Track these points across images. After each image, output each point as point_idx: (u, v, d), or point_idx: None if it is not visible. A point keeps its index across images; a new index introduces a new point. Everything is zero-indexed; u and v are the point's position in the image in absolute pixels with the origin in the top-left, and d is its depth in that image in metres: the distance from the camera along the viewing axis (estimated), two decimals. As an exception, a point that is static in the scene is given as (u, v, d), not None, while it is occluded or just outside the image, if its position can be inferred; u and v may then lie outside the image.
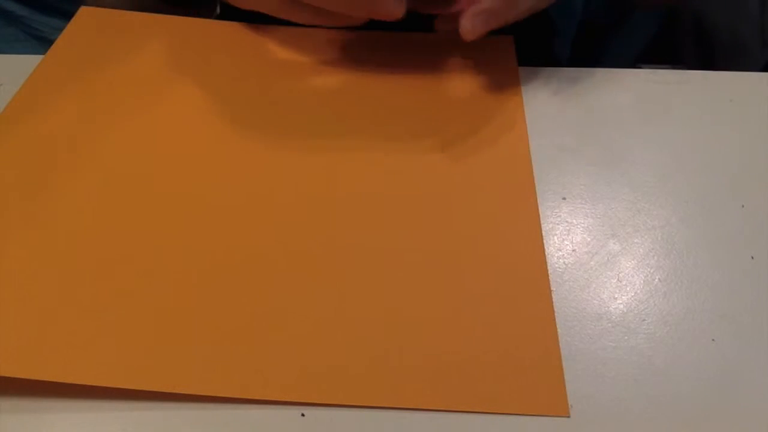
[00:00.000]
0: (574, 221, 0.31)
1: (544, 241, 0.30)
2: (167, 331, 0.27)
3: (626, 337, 0.27)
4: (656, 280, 0.29)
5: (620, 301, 0.28)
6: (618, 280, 0.29)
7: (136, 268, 0.29)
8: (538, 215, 0.31)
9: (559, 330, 0.27)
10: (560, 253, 0.30)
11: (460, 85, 0.38)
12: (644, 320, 0.28)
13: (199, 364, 0.26)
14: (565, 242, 0.30)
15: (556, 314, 0.27)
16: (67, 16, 0.41)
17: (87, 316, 0.27)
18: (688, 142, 0.35)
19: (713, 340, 0.27)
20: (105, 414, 0.25)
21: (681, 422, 0.25)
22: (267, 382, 0.25)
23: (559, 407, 0.25)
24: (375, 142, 0.35)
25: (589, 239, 0.31)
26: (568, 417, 0.25)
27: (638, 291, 0.29)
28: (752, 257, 0.30)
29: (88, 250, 0.29)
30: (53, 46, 0.38)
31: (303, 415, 0.25)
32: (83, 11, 0.41)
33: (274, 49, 0.39)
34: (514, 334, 0.27)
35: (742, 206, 0.32)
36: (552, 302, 0.28)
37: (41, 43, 0.50)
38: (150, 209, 0.31)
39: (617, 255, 0.30)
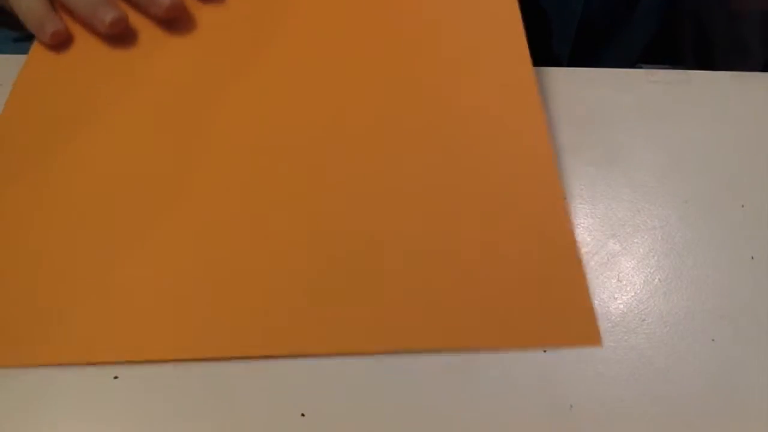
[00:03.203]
0: (574, 221, 0.31)
1: (544, 241, 0.30)
2: (171, 296, 0.27)
3: (626, 337, 0.27)
4: (656, 280, 0.29)
5: (620, 301, 0.28)
6: (618, 280, 0.29)
7: (138, 258, 0.28)
8: (546, 129, 0.30)
9: (559, 330, 0.27)
10: (560, 253, 0.30)
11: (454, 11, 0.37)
12: (644, 320, 0.28)
13: (200, 326, 0.26)
14: (565, 242, 0.30)
15: (556, 314, 0.27)
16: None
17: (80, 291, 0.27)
18: (688, 142, 0.35)
19: (713, 340, 0.27)
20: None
21: (681, 422, 0.25)
22: (271, 336, 0.25)
23: (590, 337, 0.24)
24: (372, 67, 0.34)
25: (589, 239, 0.31)
26: (601, 347, 0.23)
27: (638, 291, 0.29)
28: (752, 257, 0.30)
29: (91, 237, 0.29)
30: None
31: (303, 415, 0.25)
32: None
33: None
34: (535, 267, 0.26)
35: (742, 206, 0.32)
36: (572, 228, 0.27)
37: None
38: (151, 182, 0.31)
39: (617, 255, 0.30)
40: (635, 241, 0.31)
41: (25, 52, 0.37)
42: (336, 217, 0.28)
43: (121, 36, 0.36)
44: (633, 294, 0.29)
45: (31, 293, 0.27)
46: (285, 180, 0.30)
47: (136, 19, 0.37)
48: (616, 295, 0.28)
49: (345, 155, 0.30)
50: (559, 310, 0.24)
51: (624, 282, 0.29)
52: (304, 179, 0.30)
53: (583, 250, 0.30)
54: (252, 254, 0.28)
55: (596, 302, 0.28)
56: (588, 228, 0.31)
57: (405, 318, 0.25)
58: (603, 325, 0.27)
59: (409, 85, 0.33)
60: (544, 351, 0.26)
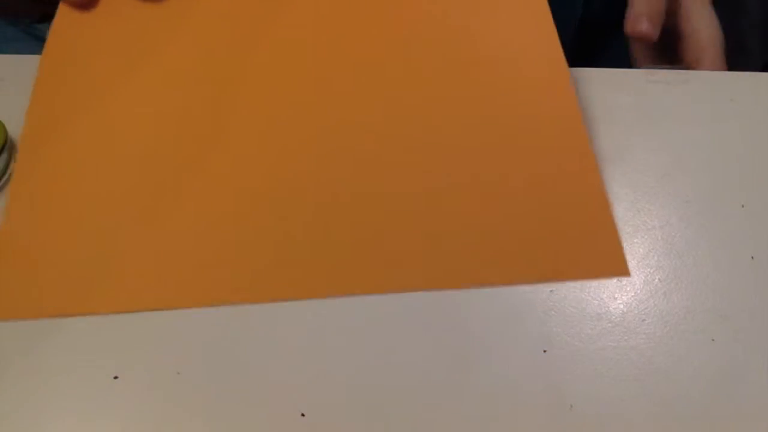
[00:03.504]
0: (574, 221, 0.31)
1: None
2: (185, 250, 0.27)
3: (626, 337, 0.27)
4: (656, 280, 0.29)
5: (620, 301, 0.28)
6: (618, 280, 0.29)
7: (163, 212, 0.29)
8: (572, 85, 0.30)
9: (559, 330, 0.27)
10: (560, 253, 0.30)
11: None
12: (644, 320, 0.28)
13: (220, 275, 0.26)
14: (565, 242, 0.30)
15: (555, 315, 0.27)
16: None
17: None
18: (688, 142, 0.35)
19: (713, 340, 0.27)
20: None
21: (681, 422, 0.25)
22: (312, 278, 0.25)
23: (618, 268, 0.24)
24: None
25: (589, 239, 0.31)
26: (629, 277, 0.24)
27: (638, 291, 0.29)
28: (752, 257, 0.30)
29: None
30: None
31: (303, 414, 0.25)
32: None
33: None
34: (561, 201, 0.26)
35: (742, 206, 0.32)
36: (596, 164, 0.27)
37: (41, 43, 0.49)
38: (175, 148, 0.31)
39: (617, 255, 0.30)
40: (635, 241, 0.31)
41: (24, 51, 0.37)
42: (367, 166, 0.29)
43: None
44: (633, 294, 0.29)
45: (62, 243, 0.28)
46: (313, 143, 0.30)
47: None
48: (616, 295, 0.28)
49: (377, 129, 0.31)
50: (588, 244, 0.25)
51: (624, 282, 0.29)
52: (334, 143, 0.30)
53: (583, 250, 0.30)
54: (274, 201, 0.28)
55: (596, 302, 0.28)
56: (588, 228, 0.31)
57: (441, 256, 0.25)
58: (603, 325, 0.27)
59: (443, 76, 0.33)
60: (544, 351, 0.26)
